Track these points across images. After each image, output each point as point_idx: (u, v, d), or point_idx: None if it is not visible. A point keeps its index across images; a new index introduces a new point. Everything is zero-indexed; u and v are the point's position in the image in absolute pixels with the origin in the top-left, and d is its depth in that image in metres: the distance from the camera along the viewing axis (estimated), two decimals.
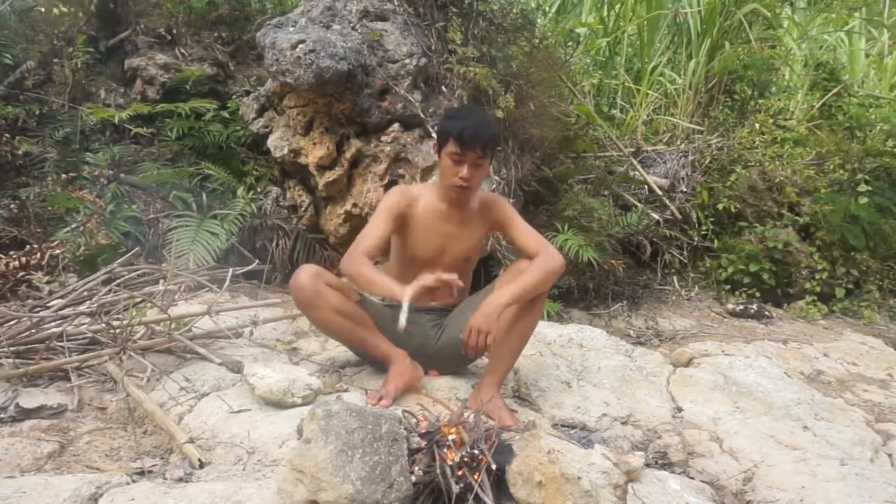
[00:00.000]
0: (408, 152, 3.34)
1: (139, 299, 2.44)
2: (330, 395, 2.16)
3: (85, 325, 2.36)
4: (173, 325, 2.47)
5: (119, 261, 2.64)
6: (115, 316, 2.39)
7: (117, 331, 2.26)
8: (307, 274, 2.14)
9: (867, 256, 4.22)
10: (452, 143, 2.09)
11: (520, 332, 2.17)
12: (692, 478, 1.95)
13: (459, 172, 2.11)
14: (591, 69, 5.09)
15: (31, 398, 1.98)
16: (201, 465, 1.71)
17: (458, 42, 3.45)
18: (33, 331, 2.24)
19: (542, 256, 2.15)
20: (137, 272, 2.67)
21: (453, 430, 1.56)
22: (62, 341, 2.24)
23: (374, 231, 2.18)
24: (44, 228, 3.38)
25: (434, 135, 2.26)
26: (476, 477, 1.48)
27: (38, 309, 2.42)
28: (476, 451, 1.50)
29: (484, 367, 2.44)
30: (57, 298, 2.51)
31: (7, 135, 3.61)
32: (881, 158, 4.39)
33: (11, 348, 2.12)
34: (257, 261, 3.11)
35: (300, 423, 1.87)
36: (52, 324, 2.30)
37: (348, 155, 3.38)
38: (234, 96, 3.97)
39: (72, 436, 1.85)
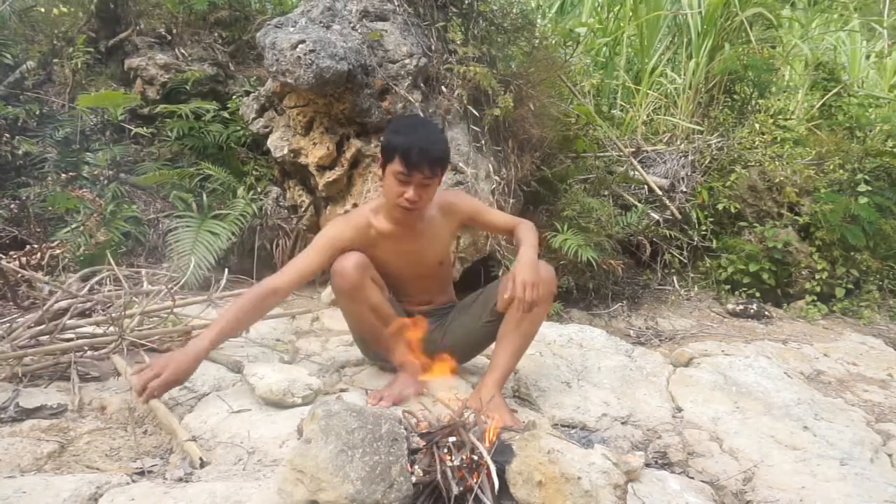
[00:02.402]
0: None
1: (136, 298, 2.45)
2: (330, 395, 2.16)
3: (86, 321, 2.37)
4: (172, 318, 2.48)
5: (105, 269, 2.64)
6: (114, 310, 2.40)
7: (114, 319, 2.27)
8: (354, 263, 2.05)
9: (867, 256, 4.22)
10: (398, 162, 1.96)
11: (524, 332, 2.15)
12: (692, 478, 1.95)
13: (405, 193, 1.99)
14: (591, 69, 5.09)
15: (31, 398, 1.98)
16: (202, 465, 1.71)
17: (458, 42, 3.45)
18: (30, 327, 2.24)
19: (521, 225, 2.24)
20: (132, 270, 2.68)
21: (453, 430, 1.56)
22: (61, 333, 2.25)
23: (301, 262, 2.07)
24: (44, 228, 3.38)
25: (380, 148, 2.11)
26: (475, 478, 1.48)
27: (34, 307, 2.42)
28: (475, 457, 1.50)
29: (485, 367, 2.45)
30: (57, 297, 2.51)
31: (7, 135, 3.61)
32: (881, 158, 4.38)
33: (10, 344, 2.12)
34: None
35: (300, 423, 1.87)
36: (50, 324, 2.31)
37: (348, 155, 3.38)
38: (234, 96, 3.97)
39: (72, 436, 1.85)
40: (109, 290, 2.54)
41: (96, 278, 2.61)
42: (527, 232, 2.19)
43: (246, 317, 2.01)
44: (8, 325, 2.24)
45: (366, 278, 2.08)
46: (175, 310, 2.49)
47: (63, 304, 2.40)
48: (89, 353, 2.23)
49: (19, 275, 2.37)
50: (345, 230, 2.13)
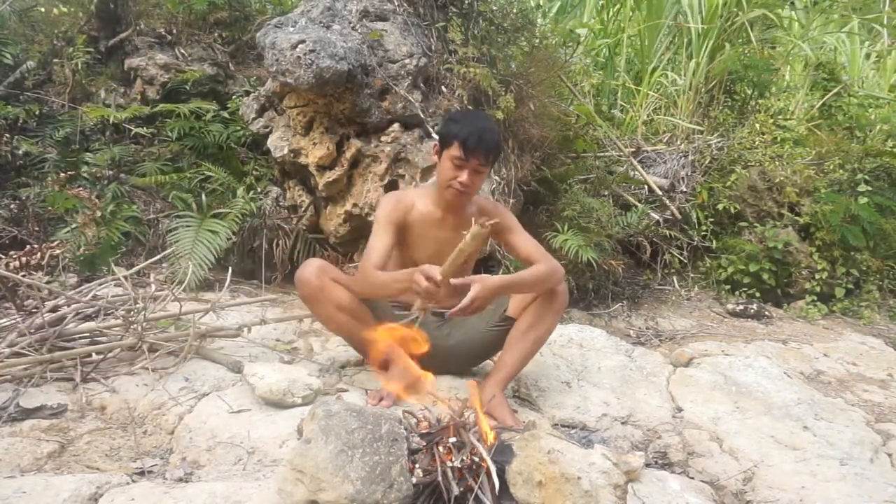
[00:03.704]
0: (408, 152, 3.34)
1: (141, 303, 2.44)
2: (330, 395, 2.16)
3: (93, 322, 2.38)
4: (178, 322, 2.48)
5: (109, 279, 2.64)
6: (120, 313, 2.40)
7: (129, 315, 2.27)
8: (313, 268, 2.15)
9: (867, 256, 4.22)
10: (457, 147, 2.08)
11: (534, 338, 2.19)
12: (692, 478, 1.95)
13: (459, 177, 2.10)
14: (591, 69, 5.09)
15: (31, 398, 1.98)
16: None
17: (458, 42, 3.45)
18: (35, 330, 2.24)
19: (544, 262, 2.18)
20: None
21: (454, 431, 1.56)
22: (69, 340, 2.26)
23: (378, 243, 2.17)
24: (44, 228, 3.38)
25: (435, 135, 2.23)
26: (476, 478, 1.48)
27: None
28: (476, 458, 1.50)
29: (486, 369, 2.45)
30: (59, 301, 2.51)
31: (7, 135, 3.61)
32: (881, 158, 4.38)
33: (12, 348, 2.12)
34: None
35: (300, 423, 1.87)
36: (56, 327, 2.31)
37: (348, 155, 3.38)
38: (234, 96, 3.97)
39: (72, 436, 1.86)
40: (114, 296, 2.54)
41: (99, 282, 2.61)
42: (536, 268, 2.16)
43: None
44: (7, 333, 2.23)
45: (325, 280, 2.15)
46: (180, 311, 2.49)
47: (66, 308, 2.40)
48: (95, 357, 2.23)
49: (23, 285, 2.37)
50: (394, 207, 2.24)
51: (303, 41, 3.07)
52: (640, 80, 5.32)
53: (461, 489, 1.45)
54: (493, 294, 2.04)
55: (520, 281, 2.17)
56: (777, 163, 4.39)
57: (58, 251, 3.02)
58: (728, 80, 5.06)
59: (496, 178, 3.50)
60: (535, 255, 2.22)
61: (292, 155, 3.48)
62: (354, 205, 3.42)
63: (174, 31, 4.16)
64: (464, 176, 2.10)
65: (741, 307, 3.91)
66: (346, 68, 3.09)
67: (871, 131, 4.89)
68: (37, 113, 3.80)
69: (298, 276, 2.16)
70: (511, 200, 3.53)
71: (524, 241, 2.26)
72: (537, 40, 3.86)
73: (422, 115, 3.33)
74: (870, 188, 4.22)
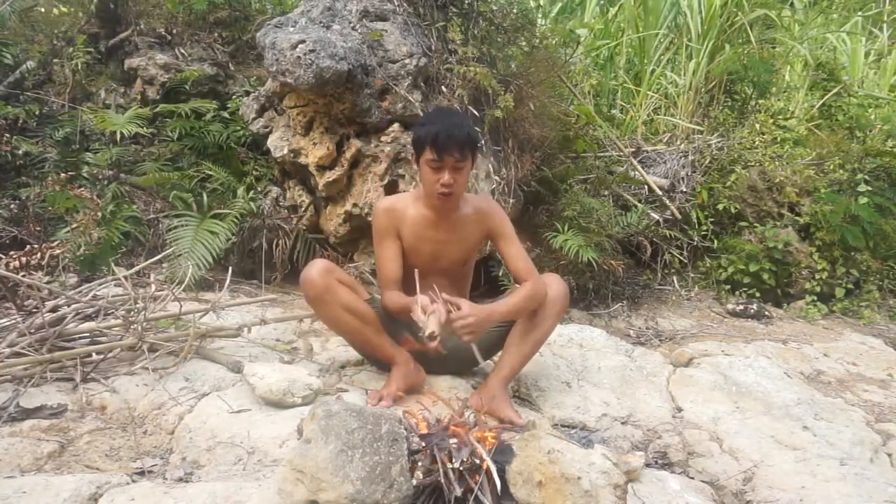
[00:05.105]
0: (408, 152, 3.34)
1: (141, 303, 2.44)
2: (330, 395, 2.16)
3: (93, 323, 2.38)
4: (177, 323, 2.48)
5: (110, 279, 2.63)
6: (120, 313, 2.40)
7: (129, 315, 2.28)
8: (318, 269, 2.13)
9: (867, 256, 4.22)
10: (428, 150, 2.07)
11: (534, 340, 2.20)
12: (692, 478, 1.95)
13: (440, 179, 2.08)
14: (591, 70, 5.10)
15: (31, 398, 1.98)
16: None
17: (458, 42, 3.45)
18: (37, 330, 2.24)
19: (530, 283, 2.18)
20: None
21: (454, 432, 1.56)
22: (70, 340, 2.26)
23: (385, 260, 2.22)
24: (44, 228, 3.38)
25: (410, 144, 2.21)
26: (476, 479, 1.48)
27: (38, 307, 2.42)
28: (476, 460, 1.50)
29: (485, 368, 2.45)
30: (59, 301, 2.51)
31: (7, 135, 3.61)
32: (881, 158, 4.39)
33: (12, 348, 2.12)
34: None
35: (300, 423, 1.87)
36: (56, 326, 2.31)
37: (348, 155, 3.38)
38: (234, 96, 3.97)
39: (72, 436, 1.85)
40: (114, 296, 2.54)
41: (99, 282, 2.61)
42: (525, 288, 2.16)
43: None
44: (8, 332, 2.23)
45: (331, 281, 2.13)
46: (180, 311, 2.49)
47: (66, 308, 2.40)
48: (95, 357, 2.23)
49: (23, 285, 2.37)
50: (388, 219, 2.24)
51: (303, 41, 3.07)
52: (639, 81, 5.32)
53: (462, 489, 1.45)
54: (479, 323, 2.02)
55: (501, 314, 2.12)
56: (777, 163, 4.39)
57: (58, 251, 3.02)
58: (728, 81, 5.07)
59: (496, 177, 3.50)
60: (523, 273, 2.21)
61: (292, 155, 3.48)
62: (354, 205, 3.42)
63: (174, 31, 4.16)
64: (444, 177, 2.08)
65: (741, 307, 3.91)
66: (346, 68, 3.09)
67: (871, 131, 4.89)
68: (37, 113, 3.80)
69: (304, 276, 2.14)
70: (511, 200, 3.54)
71: (515, 254, 2.25)
72: (537, 40, 3.86)
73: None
74: (870, 188, 4.22)
